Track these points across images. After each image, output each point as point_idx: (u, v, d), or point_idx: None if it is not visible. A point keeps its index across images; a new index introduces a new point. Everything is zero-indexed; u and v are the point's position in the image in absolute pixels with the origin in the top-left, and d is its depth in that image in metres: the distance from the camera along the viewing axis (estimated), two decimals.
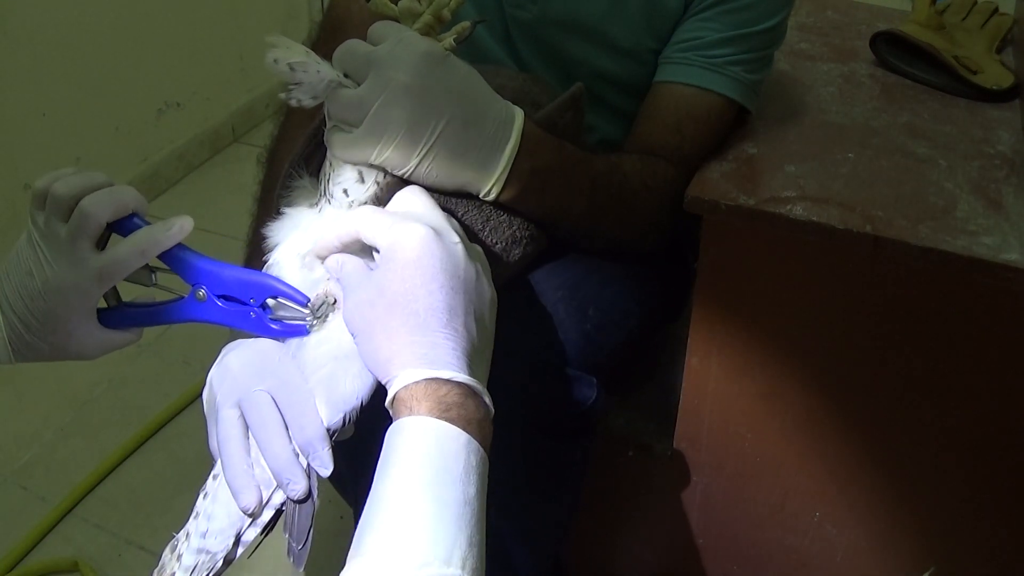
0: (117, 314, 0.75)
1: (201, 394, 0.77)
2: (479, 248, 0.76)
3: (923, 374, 1.01)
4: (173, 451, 1.67)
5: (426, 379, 0.62)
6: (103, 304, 0.75)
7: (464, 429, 0.61)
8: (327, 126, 0.76)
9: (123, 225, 0.72)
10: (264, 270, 0.79)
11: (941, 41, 1.26)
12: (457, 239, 0.69)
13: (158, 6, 2.29)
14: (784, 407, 1.08)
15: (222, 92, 2.58)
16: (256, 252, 0.91)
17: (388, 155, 0.74)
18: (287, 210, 0.81)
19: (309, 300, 0.73)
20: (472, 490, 0.60)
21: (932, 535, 1.10)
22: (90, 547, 1.50)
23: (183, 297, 0.74)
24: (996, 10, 1.39)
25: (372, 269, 0.69)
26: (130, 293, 0.76)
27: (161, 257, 0.72)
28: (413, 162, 0.74)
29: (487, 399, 0.65)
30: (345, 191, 0.77)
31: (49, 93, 2.06)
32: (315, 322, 0.73)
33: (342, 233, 0.71)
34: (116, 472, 1.63)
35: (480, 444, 0.62)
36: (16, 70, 1.97)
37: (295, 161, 0.84)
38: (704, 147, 1.04)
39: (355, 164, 0.76)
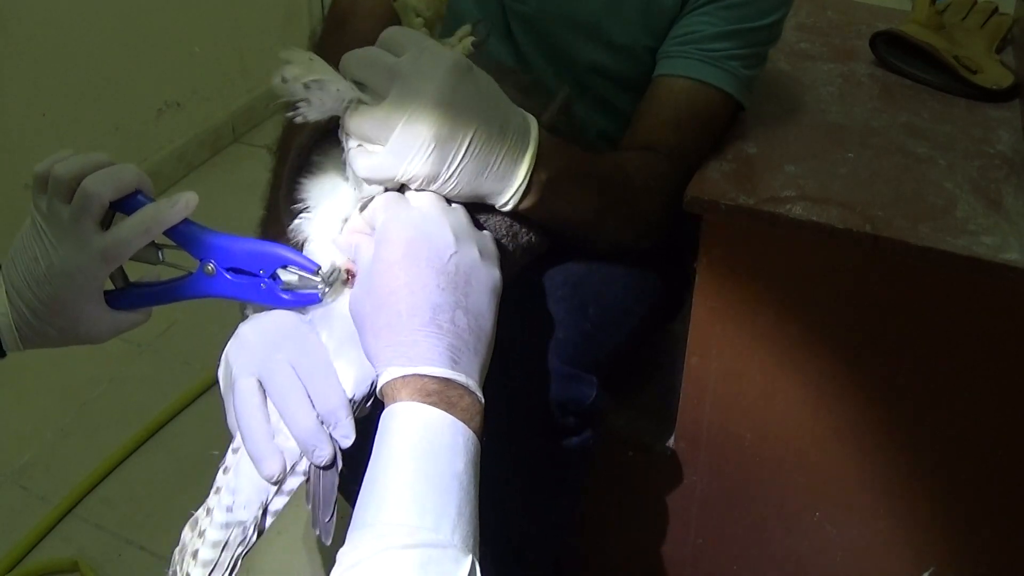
0: (125, 295, 0.74)
1: (203, 391, 0.77)
2: (487, 234, 0.75)
3: (923, 374, 1.01)
4: (173, 451, 1.67)
5: (404, 375, 0.64)
6: (110, 286, 0.74)
7: (447, 412, 0.63)
8: (348, 146, 0.74)
9: (127, 204, 0.71)
10: (293, 239, 0.79)
11: (941, 41, 1.26)
12: (450, 235, 0.69)
13: (158, 6, 2.29)
14: (784, 407, 1.08)
15: (222, 92, 2.58)
16: (269, 232, 0.91)
17: (416, 172, 0.72)
18: (321, 174, 0.80)
19: (319, 267, 0.72)
20: (459, 465, 0.61)
21: (932, 535, 1.10)
22: (90, 547, 1.50)
23: (192, 273, 0.73)
24: (996, 10, 1.39)
25: None
26: (136, 273, 0.75)
27: (167, 233, 0.71)
28: (442, 177, 0.73)
29: (473, 388, 0.66)
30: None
31: (49, 93, 2.06)
32: (327, 289, 0.72)
33: (368, 216, 0.73)
34: (116, 472, 1.63)
35: (467, 427, 0.63)
36: (16, 70, 1.97)
37: (306, 149, 0.82)
38: (701, 143, 1.04)
39: (381, 184, 0.74)
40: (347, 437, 0.70)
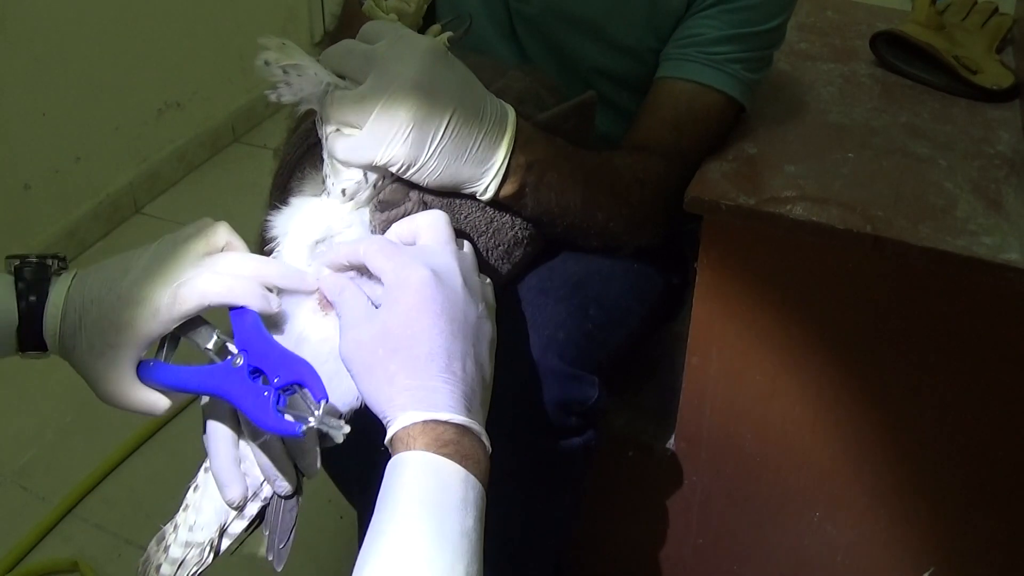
0: (155, 367, 0.71)
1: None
2: (488, 281, 0.74)
3: (923, 374, 1.01)
4: (173, 451, 1.67)
5: (423, 421, 0.63)
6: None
7: (461, 464, 0.62)
8: (326, 131, 0.75)
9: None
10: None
11: (941, 41, 1.26)
12: (461, 281, 0.68)
13: (158, 6, 2.29)
14: (784, 407, 1.08)
15: (222, 92, 2.58)
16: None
17: (395, 154, 0.72)
18: (292, 200, 0.81)
19: (326, 400, 0.65)
20: (470, 522, 0.60)
21: (932, 535, 1.10)
22: (90, 547, 1.50)
23: (216, 363, 0.69)
24: (996, 10, 1.39)
25: (373, 303, 0.69)
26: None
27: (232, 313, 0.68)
28: (421, 160, 0.73)
29: (484, 439, 0.65)
30: (343, 191, 0.76)
31: (49, 93, 2.05)
32: (312, 426, 0.65)
33: (352, 257, 0.70)
34: (116, 472, 1.63)
35: (477, 479, 0.62)
36: (16, 70, 1.97)
37: (289, 165, 0.83)
38: (701, 144, 1.04)
39: (360, 167, 0.75)
40: (311, 470, 0.70)
